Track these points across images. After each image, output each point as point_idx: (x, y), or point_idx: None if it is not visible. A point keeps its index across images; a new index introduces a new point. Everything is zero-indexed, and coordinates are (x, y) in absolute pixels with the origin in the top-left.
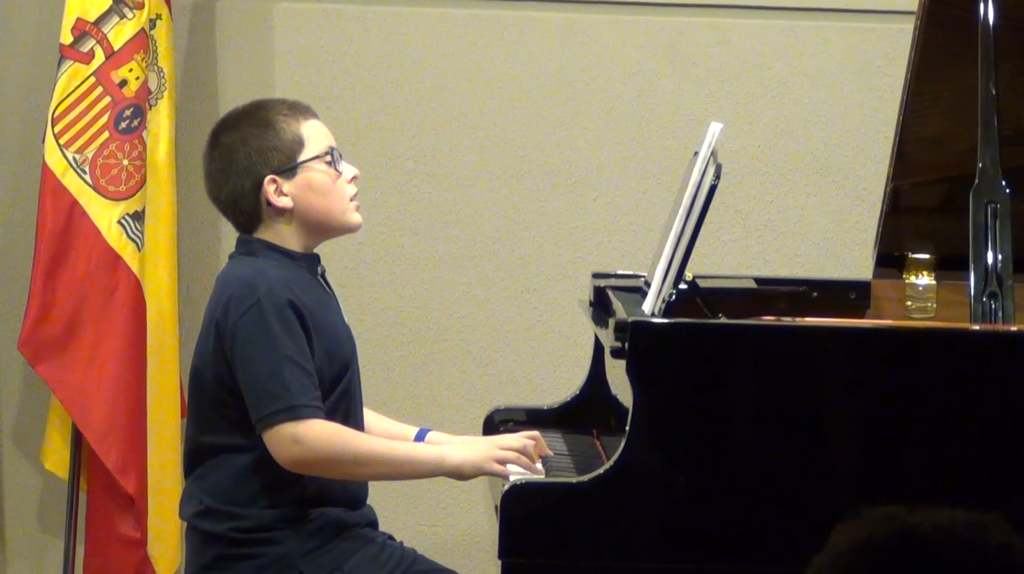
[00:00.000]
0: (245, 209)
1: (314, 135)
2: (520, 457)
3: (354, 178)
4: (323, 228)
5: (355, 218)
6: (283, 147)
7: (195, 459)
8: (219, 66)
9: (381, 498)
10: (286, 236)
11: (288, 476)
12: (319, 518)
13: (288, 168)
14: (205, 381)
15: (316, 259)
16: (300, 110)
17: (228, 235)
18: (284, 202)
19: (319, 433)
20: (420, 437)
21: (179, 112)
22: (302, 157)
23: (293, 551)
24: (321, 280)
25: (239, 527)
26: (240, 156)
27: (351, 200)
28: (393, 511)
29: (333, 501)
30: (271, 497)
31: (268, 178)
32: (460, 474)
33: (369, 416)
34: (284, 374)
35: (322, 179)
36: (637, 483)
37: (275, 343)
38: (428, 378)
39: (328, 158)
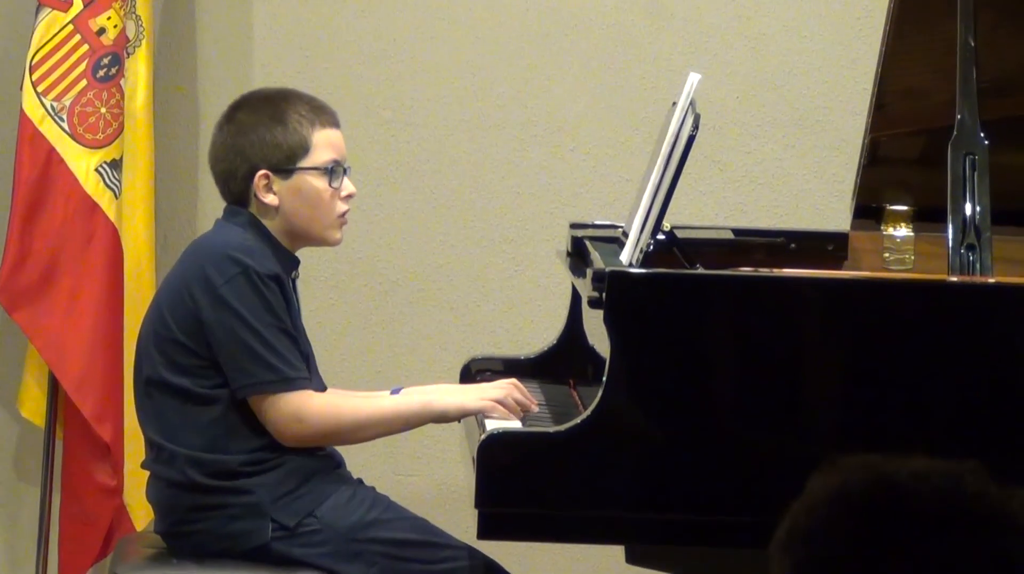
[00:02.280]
0: (234, 190)
1: (323, 144)
2: (507, 398)
3: (349, 196)
4: (302, 235)
5: (335, 235)
6: (287, 147)
7: (148, 394)
8: (197, 14)
9: (356, 447)
10: (272, 230)
11: (248, 425)
12: (285, 463)
13: (284, 169)
14: (162, 337)
15: (296, 262)
16: (321, 116)
17: (207, 184)
18: (270, 199)
19: (319, 408)
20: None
21: (157, 60)
22: (302, 163)
23: (263, 499)
24: (292, 284)
25: (203, 473)
26: (245, 140)
27: (339, 217)
28: (368, 460)
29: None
30: (232, 443)
31: (262, 172)
32: (445, 416)
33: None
34: (276, 343)
35: (313, 189)
36: (614, 433)
37: (264, 311)
38: (405, 328)
39: (327, 171)
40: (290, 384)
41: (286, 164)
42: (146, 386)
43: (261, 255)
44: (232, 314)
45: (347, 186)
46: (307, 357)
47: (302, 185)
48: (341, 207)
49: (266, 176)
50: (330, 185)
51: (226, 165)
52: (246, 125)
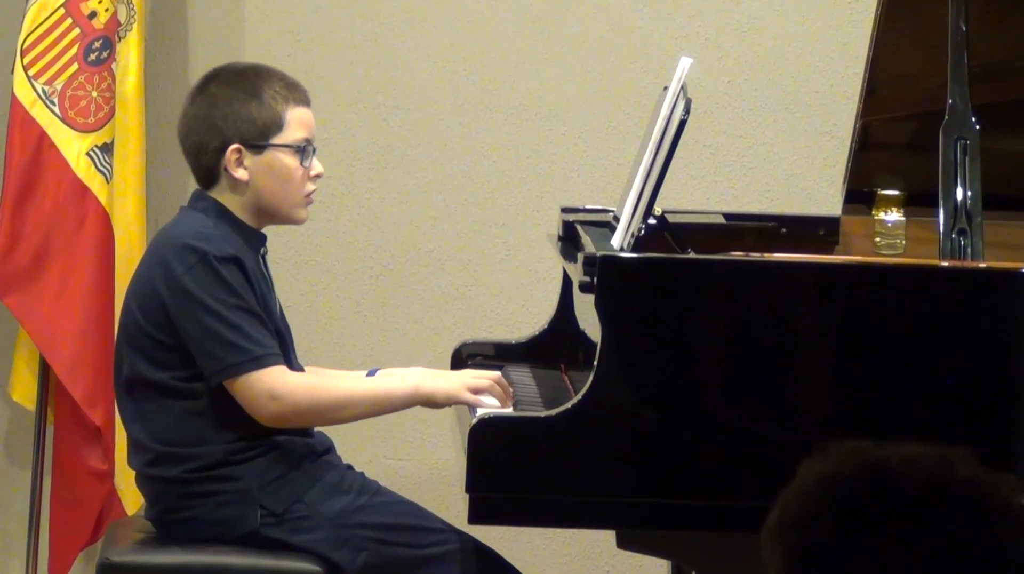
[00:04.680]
0: (204, 164)
1: (296, 122)
2: (494, 386)
3: (317, 176)
4: (269, 212)
5: (302, 214)
6: (260, 122)
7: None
8: None
9: (346, 431)
10: (235, 206)
11: (232, 413)
12: (272, 449)
13: (257, 145)
14: (134, 334)
15: (263, 239)
16: (294, 93)
17: None
18: (240, 174)
19: (294, 385)
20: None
21: (148, 44)
22: (274, 140)
23: (252, 485)
24: (261, 260)
25: (191, 468)
26: (218, 113)
27: (306, 196)
28: (358, 444)
29: (281, 429)
30: (218, 434)
31: (234, 146)
32: (433, 401)
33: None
34: (241, 324)
35: (284, 167)
36: (604, 418)
37: (226, 294)
38: (396, 312)
39: (299, 149)
40: (259, 362)
41: (259, 139)
42: (127, 385)
43: (219, 239)
44: (194, 302)
45: (316, 166)
46: (281, 335)
47: (273, 162)
48: (309, 186)
49: (238, 150)
50: (301, 164)
51: (197, 138)
52: (219, 98)
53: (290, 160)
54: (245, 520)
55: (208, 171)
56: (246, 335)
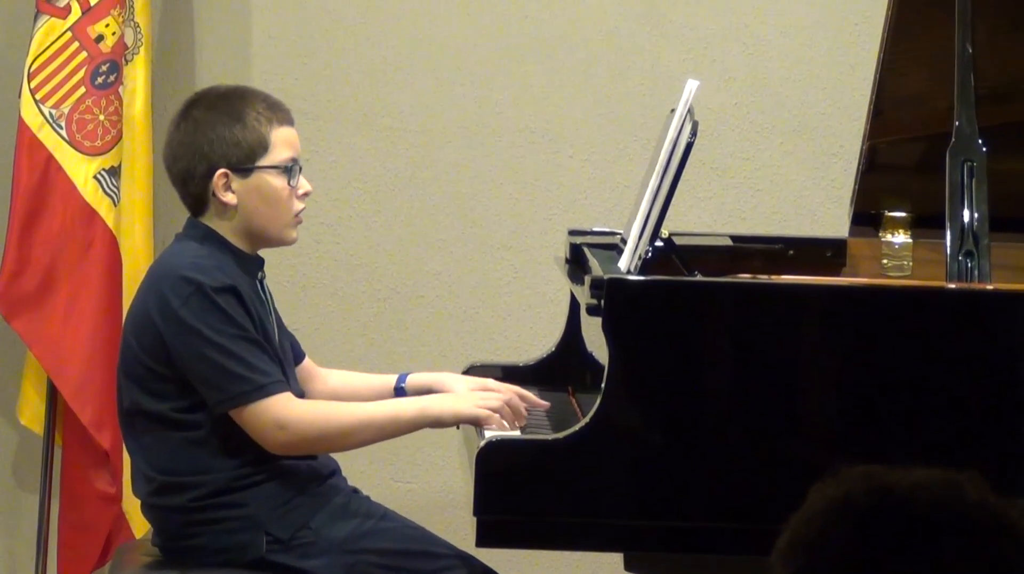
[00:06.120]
0: (192, 191)
1: (281, 143)
2: (504, 407)
3: (305, 194)
4: (259, 235)
5: (292, 234)
6: (246, 145)
7: (131, 424)
8: (196, 21)
9: (352, 453)
10: (227, 231)
11: (234, 440)
12: (277, 474)
13: (243, 168)
14: (133, 365)
15: (260, 263)
16: (277, 113)
17: None
18: (229, 198)
19: (301, 414)
20: (401, 381)
21: (155, 67)
22: (261, 162)
23: (257, 511)
24: (259, 285)
25: (195, 496)
26: (203, 138)
27: (295, 216)
28: (366, 467)
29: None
30: (221, 461)
31: (221, 171)
32: (440, 422)
33: (346, 375)
34: (243, 353)
35: (272, 188)
36: (612, 440)
37: (225, 324)
38: (404, 335)
39: (286, 169)
40: (263, 391)
41: (245, 162)
42: (128, 417)
43: (214, 269)
44: (193, 334)
45: (303, 184)
46: (281, 362)
47: (261, 184)
48: (298, 206)
49: (225, 175)
50: (288, 183)
51: (184, 163)
52: (203, 123)
53: (277, 181)
54: (251, 546)
55: (197, 198)
56: (249, 365)
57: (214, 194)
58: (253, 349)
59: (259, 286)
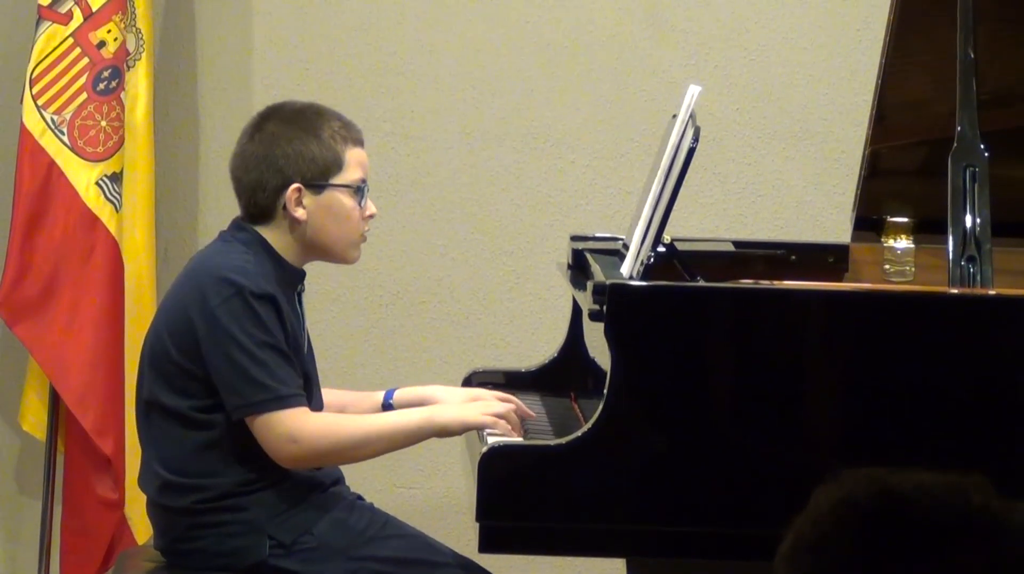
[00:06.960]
0: (261, 202)
1: (355, 162)
2: (510, 414)
3: (371, 216)
4: (324, 251)
5: (354, 254)
6: (321, 162)
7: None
8: (197, 27)
9: None
10: (285, 244)
11: (244, 446)
12: (281, 481)
13: (317, 184)
14: (160, 358)
15: (301, 276)
16: (351, 134)
17: (207, 197)
18: (300, 213)
19: (314, 428)
20: (388, 397)
21: (157, 73)
22: (335, 179)
23: (261, 516)
24: (296, 298)
25: (200, 499)
26: (279, 151)
27: (361, 236)
28: (368, 472)
29: None
30: (229, 466)
31: (295, 185)
32: (447, 430)
33: (334, 394)
34: (268, 362)
35: (343, 207)
36: (615, 445)
37: (257, 330)
38: (406, 341)
39: (357, 190)
40: (283, 402)
41: (320, 179)
42: (145, 407)
43: (257, 275)
44: (225, 334)
45: (370, 206)
46: (307, 376)
47: (332, 202)
48: (363, 227)
49: (299, 190)
50: (358, 204)
51: (256, 175)
52: (279, 137)
53: (348, 200)
54: (254, 551)
55: (264, 209)
56: (272, 374)
57: (284, 207)
58: (279, 359)
59: (296, 299)
